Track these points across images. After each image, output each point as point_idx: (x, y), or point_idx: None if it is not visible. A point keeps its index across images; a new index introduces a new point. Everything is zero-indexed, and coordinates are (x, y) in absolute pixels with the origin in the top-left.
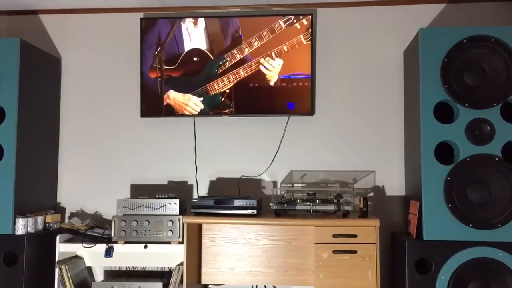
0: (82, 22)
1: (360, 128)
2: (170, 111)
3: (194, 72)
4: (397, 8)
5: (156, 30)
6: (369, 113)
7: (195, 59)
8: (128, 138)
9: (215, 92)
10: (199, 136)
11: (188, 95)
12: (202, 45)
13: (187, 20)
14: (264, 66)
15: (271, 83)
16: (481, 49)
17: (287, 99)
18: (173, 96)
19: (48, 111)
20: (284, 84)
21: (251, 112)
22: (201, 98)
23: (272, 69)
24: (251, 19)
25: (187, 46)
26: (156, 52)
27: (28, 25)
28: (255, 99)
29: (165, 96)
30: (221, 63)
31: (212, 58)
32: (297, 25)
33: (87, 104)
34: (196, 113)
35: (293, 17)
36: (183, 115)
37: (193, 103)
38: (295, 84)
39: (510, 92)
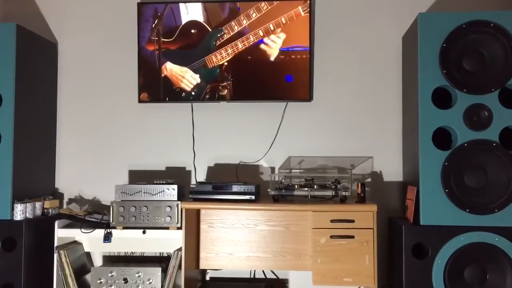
0: (78, 7)
1: (358, 113)
2: (167, 83)
3: (192, 44)
4: None
5: (152, 5)
6: (367, 98)
7: (192, 31)
8: (126, 123)
9: (213, 65)
10: (197, 121)
11: (185, 68)
12: (199, 17)
13: None
14: (265, 43)
15: (271, 58)
16: (480, 34)
17: (285, 72)
18: (170, 68)
19: (45, 97)
20: (282, 56)
21: (249, 94)
22: (198, 75)
23: (274, 46)
24: None
25: (184, 19)
26: (153, 25)
27: (24, 9)
28: (252, 72)
29: (163, 67)
30: (219, 35)
31: (210, 30)
32: None
33: (84, 89)
34: (192, 86)
35: None
36: (179, 90)
37: (189, 75)
38: (293, 56)
39: (509, 77)
